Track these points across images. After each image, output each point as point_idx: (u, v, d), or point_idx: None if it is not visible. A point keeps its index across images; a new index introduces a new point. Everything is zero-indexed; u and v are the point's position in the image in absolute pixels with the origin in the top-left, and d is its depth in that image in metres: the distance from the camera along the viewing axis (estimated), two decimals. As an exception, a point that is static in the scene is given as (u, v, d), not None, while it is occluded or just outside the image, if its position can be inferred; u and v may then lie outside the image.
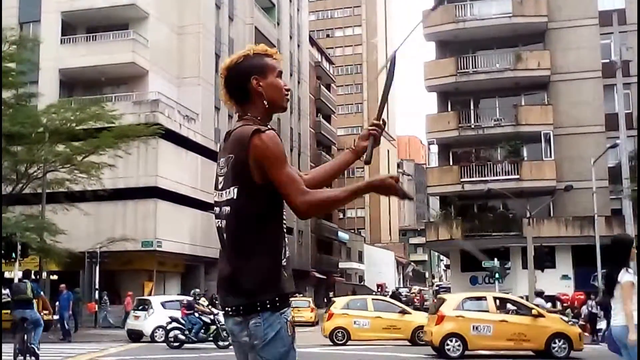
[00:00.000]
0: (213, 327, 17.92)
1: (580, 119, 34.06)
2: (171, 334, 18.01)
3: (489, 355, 15.49)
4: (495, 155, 35.97)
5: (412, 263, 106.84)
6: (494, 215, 35.09)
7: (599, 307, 22.94)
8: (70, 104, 28.02)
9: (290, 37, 55.39)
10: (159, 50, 35.74)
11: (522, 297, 21.96)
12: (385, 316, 19.54)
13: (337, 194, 2.40)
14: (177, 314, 19.48)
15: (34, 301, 12.26)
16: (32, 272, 14.82)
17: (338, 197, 2.40)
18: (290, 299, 2.53)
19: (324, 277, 61.24)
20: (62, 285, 22.90)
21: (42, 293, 13.41)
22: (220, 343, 17.57)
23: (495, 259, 29.54)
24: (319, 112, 65.79)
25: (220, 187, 2.49)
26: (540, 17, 34.95)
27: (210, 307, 18.88)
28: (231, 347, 2.58)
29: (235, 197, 2.40)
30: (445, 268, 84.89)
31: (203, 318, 18.16)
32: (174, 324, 18.22)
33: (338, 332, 19.52)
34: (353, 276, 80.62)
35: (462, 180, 34.41)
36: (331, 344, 19.16)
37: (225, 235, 2.46)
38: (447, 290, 43.03)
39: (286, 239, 2.56)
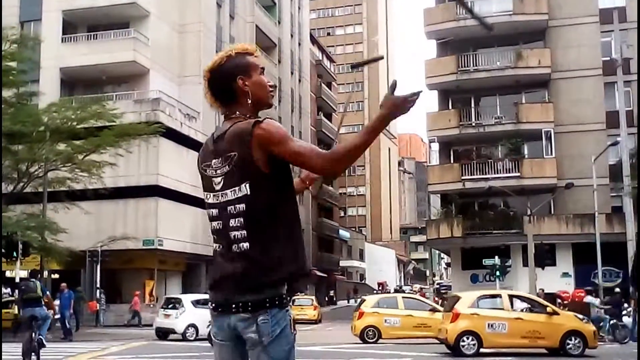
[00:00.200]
0: None
1: (580, 117, 34.06)
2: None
3: (504, 353, 15.47)
4: (496, 153, 35.98)
5: (413, 261, 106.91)
6: (495, 213, 35.11)
7: (610, 305, 22.98)
8: (71, 102, 28.03)
9: (291, 36, 55.38)
10: (159, 48, 35.75)
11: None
12: (416, 314, 19.55)
13: (354, 142, 2.39)
14: (207, 312, 19.44)
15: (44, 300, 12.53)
16: (42, 271, 15.02)
17: (357, 144, 2.39)
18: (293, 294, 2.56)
19: (325, 275, 61.27)
20: (63, 284, 22.92)
21: (47, 293, 13.56)
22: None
23: (496, 257, 29.55)
24: (320, 110, 65.79)
25: (219, 187, 2.47)
26: (540, 15, 34.95)
27: None
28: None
29: (249, 193, 2.40)
30: (446, 266, 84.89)
31: None
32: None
33: (369, 330, 19.56)
34: (354, 274, 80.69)
35: (463, 178, 34.42)
36: (361, 342, 19.22)
37: (234, 233, 2.43)
38: (448, 288, 43.11)
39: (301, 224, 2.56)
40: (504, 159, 34.65)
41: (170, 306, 21.83)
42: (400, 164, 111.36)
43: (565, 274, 32.44)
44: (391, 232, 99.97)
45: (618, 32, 26.94)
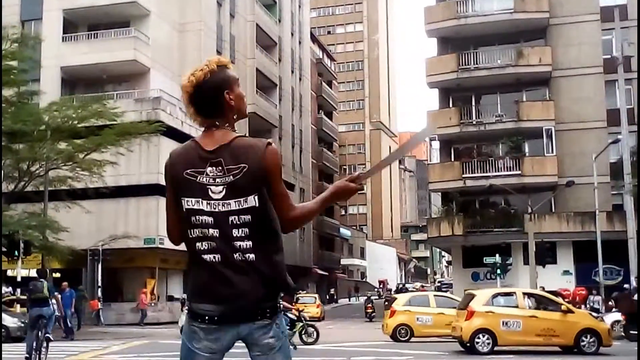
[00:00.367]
0: (299, 324, 18.21)
1: (581, 115, 34.04)
2: None
3: (518, 351, 15.45)
4: (496, 151, 35.98)
5: (414, 259, 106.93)
6: (496, 211, 35.11)
7: (614, 301, 23.02)
8: (72, 101, 28.03)
9: (292, 34, 55.36)
10: (160, 47, 35.76)
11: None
12: (448, 312, 19.29)
13: (313, 206, 2.57)
14: None
15: (51, 300, 12.80)
16: (48, 271, 15.21)
17: (314, 209, 2.57)
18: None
19: (326, 273, 61.31)
20: (65, 283, 22.94)
21: (55, 293, 13.70)
22: (307, 339, 17.90)
23: (497, 255, 29.56)
24: (321, 108, 65.78)
25: (218, 196, 2.46)
26: (541, 12, 34.92)
27: None
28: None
29: (257, 205, 2.45)
30: (447, 264, 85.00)
31: (289, 315, 18.42)
32: None
33: (401, 329, 19.54)
34: (355, 272, 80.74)
35: (463, 176, 34.42)
36: (392, 341, 19.25)
37: (240, 243, 2.45)
38: (449, 286, 43.14)
39: None
40: (505, 157, 34.64)
41: None
42: (400, 162, 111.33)
43: (566, 272, 32.45)
44: (392, 231, 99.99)
45: (619, 29, 26.91)
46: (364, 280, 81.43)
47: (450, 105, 36.60)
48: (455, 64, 35.22)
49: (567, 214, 33.03)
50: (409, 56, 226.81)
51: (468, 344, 15.37)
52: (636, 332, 17.10)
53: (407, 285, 68.74)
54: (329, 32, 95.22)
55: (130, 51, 33.87)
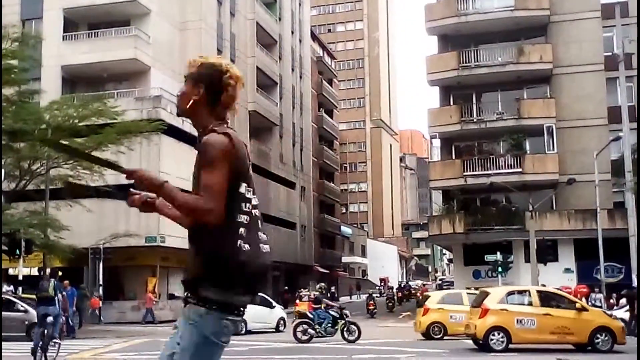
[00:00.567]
0: (341, 322, 18.22)
1: (582, 112, 34.00)
2: (300, 328, 18.31)
3: (532, 349, 15.43)
4: (497, 149, 35.94)
5: (415, 257, 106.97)
6: (497, 209, 35.08)
7: (626, 299, 23.00)
8: (73, 100, 28.05)
9: (292, 33, 55.32)
10: (160, 46, 35.75)
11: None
12: None
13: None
14: (255, 309, 21.59)
15: (56, 299, 12.99)
16: (55, 270, 15.50)
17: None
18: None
19: (327, 271, 61.30)
20: (66, 282, 22.92)
21: (64, 293, 13.88)
22: (348, 337, 17.93)
23: (498, 253, 29.55)
24: (321, 107, 65.74)
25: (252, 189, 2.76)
26: (542, 10, 34.87)
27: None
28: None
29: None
30: (448, 262, 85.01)
31: (331, 312, 18.45)
32: (302, 319, 18.65)
33: (435, 326, 19.53)
34: (356, 270, 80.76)
35: (464, 174, 34.39)
36: (424, 338, 19.28)
37: (262, 236, 2.73)
38: (451, 284, 43.12)
39: None
40: (506, 155, 34.61)
41: None
42: (401, 160, 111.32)
43: (568, 270, 32.43)
44: (393, 228, 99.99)
45: (620, 27, 26.86)
46: (365, 278, 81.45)
47: (451, 103, 36.56)
48: (455, 61, 35.17)
49: (568, 212, 33.00)
50: (410, 54, 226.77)
51: (482, 342, 15.36)
52: None
53: (410, 283, 68.74)
54: (329, 30, 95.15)
55: (130, 50, 33.87)
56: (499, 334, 15.17)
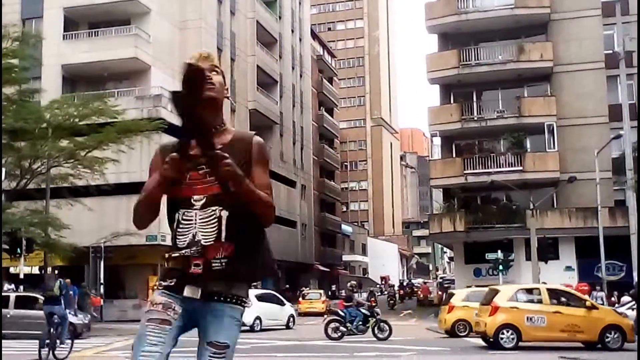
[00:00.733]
0: (372, 320, 18.30)
1: (583, 110, 33.98)
2: (331, 326, 18.41)
3: (542, 347, 15.41)
4: (498, 147, 35.92)
5: (416, 255, 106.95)
6: (498, 207, 35.07)
7: (632, 296, 22.97)
8: (73, 99, 28.07)
9: (292, 31, 55.29)
10: (160, 45, 35.74)
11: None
12: None
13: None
14: (269, 306, 23.40)
15: (62, 298, 13.32)
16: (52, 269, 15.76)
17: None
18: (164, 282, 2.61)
19: (328, 269, 61.35)
20: (67, 280, 22.92)
21: (70, 292, 14.02)
22: (379, 335, 17.99)
23: (499, 251, 29.54)
24: (322, 105, 65.73)
25: None
26: (542, 8, 34.83)
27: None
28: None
29: None
30: (448, 260, 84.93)
31: (362, 310, 18.49)
32: (333, 316, 18.71)
33: (460, 324, 19.59)
34: (357, 269, 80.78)
35: (465, 172, 34.38)
36: (447, 336, 19.31)
37: None
38: (451, 282, 43.12)
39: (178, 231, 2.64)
40: (507, 153, 34.59)
41: None
42: (402, 158, 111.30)
43: (568, 268, 32.42)
44: (393, 227, 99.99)
45: (620, 25, 26.82)
46: (365, 276, 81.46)
47: (451, 101, 36.54)
48: (456, 60, 35.15)
49: (569, 210, 32.99)
50: (410, 52, 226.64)
51: (492, 340, 15.36)
52: None
53: (413, 281, 68.87)
54: (329, 29, 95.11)
55: (131, 49, 33.86)
56: (509, 331, 15.17)
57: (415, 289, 56.96)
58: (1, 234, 20.73)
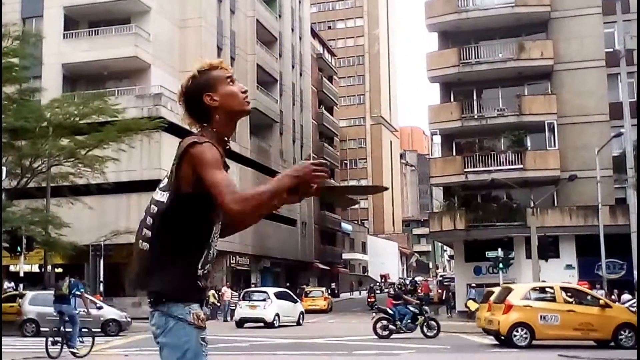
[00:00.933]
0: (421, 318, 18.31)
1: (584, 109, 33.95)
2: (380, 324, 18.43)
3: (555, 346, 15.36)
4: (498, 146, 35.90)
5: (416, 254, 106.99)
6: (498, 206, 35.06)
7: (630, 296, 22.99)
8: (74, 98, 28.09)
9: (292, 30, 55.28)
10: (161, 43, 35.73)
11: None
12: None
13: (261, 187, 2.42)
14: (285, 304, 24.25)
15: (72, 298, 13.56)
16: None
17: (263, 190, 2.36)
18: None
19: (328, 268, 61.37)
20: (66, 278, 22.94)
21: (82, 290, 14.13)
22: (428, 333, 18.04)
23: (499, 249, 29.54)
24: (321, 103, 65.72)
25: (160, 185, 2.60)
26: (543, 6, 34.80)
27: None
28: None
29: (166, 202, 2.50)
30: (449, 258, 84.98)
31: (411, 308, 18.47)
32: (382, 315, 18.75)
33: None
34: (357, 267, 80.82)
35: (465, 170, 34.37)
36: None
37: (145, 231, 2.57)
38: (451, 280, 43.12)
39: (210, 252, 2.57)
40: (507, 151, 34.57)
41: (254, 298, 24.66)
42: (402, 156, 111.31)
43: (569, 266, 32.41)
44: (393, 225, 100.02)
45: (621, 22, 26.84)
46: (365, 274, 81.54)
47: (452, 99, 36.52)
48: (456, 58, 35.12)
49: (570, 208, 32.98)
50: (410, 51, 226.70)
51: (505, 338, 15.33)
52: None
53: (416, 279, 68.98)
54: (329, 27, 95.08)
55: (131, 47, 33.86)
56: (522, 330, 15.16)
57: (418, 287, 57.10)
58: (1, 232, 20.76)
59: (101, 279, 29.10)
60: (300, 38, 57.41)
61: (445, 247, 79.84)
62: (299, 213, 53.17)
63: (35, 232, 23.34)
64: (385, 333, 18.17)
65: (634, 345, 15.00)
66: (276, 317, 23.74)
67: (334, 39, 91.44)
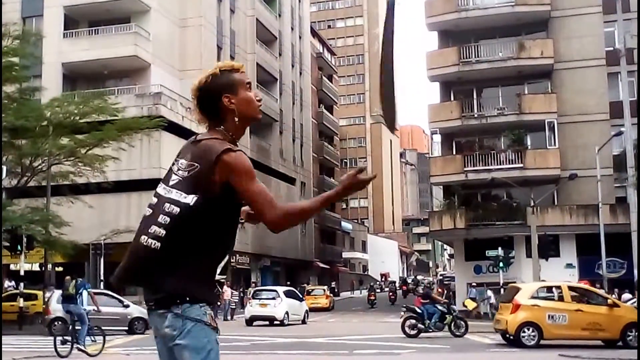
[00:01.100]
0: (449, 317, 18.31)
1: (584, 107, 33.95)
2: (408, 323, 18.42)
3: (563, 345, 15.32)
4: (498, 144, 35.90)
5: (416, 252, 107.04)
6: (498, 204, 35.07)
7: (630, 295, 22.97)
8: (74, 97, 28.07)
9: (292, 29, 55.25)
10: (160, 43, 35.72)
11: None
12: None
13: (307, 204, 2.47)
14: (293, 302, 24.75)
15: (78, 297, 13.79)
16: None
17: (309, 207, 2.46)
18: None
19: (328, 267, 61.39)
20: (68, 277, 22.92)
21: (88, 290, 14.22)
22: (456, 332, 18.05)
23: (500, 248, 29.54)
24: (321, 102, 65.71)
25: (172, 184, 2.52)
26: (543, 5, 34.78)
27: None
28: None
29: (192, 205, 2.44)
30: (449, 257, 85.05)
31: (439, 307, 18.46)
32: (410, 313, 18.74)
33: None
34: (357, 266, 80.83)
35: (465, 169, 34.37)
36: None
37: (155, 228, 2.49)
38: (452, 279, 43.17)
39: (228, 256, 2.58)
40: (507, 150, 34.57)
41: (264, 297, 25.11)
42: (402, 155, 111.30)
43: (569, 265, 32.42)
44: (393, 224, 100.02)
45: (621, 21, 26.86)
46: (365, 273, 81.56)
47: (452, 98, 36.51)
48: (456, 57, 35.11)
49: (570, 207, 32.98)
50: (410, 50, 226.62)
51: (513, 337, 15.30)
52: None
53: (418, 278, 69.06)
54: (329, 26, 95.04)
55: (130, 47, 33.86)
56: (530, 329, 15.13)
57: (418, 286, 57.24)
58: (1, 231, 20.76)
59: (101, 278, 29.07)
60: (300, 37, 57.38)
61: (445, 246, 79.90)
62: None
63: (35, 230, 23.33)
64: (414, 332, 18.14)
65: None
66: (286, 315, 24.29)
67: (333, 38, 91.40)
